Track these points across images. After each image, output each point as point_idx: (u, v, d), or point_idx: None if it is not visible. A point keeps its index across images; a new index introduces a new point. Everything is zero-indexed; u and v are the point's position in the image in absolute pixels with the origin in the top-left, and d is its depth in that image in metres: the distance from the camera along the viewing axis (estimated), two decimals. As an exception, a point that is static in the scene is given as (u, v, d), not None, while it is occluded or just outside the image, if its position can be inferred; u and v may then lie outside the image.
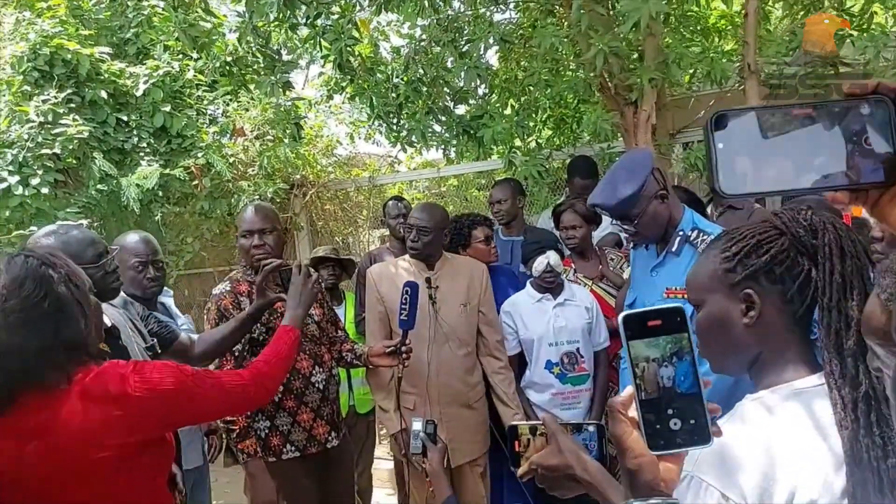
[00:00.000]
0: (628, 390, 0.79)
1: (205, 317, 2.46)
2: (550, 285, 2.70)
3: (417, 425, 2.00)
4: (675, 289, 2.11)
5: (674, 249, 2.10)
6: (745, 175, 0.61)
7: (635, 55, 3.51)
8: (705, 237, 2.05)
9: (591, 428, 1.05)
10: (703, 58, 3.42)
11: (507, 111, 3.93)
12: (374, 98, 3.61)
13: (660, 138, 3.53)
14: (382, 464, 3.99)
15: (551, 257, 2.65)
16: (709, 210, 3.31)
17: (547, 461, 0.96)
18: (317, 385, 2.42)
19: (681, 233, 2.09)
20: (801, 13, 3.83)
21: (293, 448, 2.38)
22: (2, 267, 1.29)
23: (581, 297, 2.76)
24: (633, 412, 0.78)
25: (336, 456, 2.49)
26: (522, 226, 3.41)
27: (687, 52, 3.34)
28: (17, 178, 3.61)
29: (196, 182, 3.93)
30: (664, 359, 0.74)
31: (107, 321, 1.87)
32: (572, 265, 2.98)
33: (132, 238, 2.47)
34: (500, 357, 2.66)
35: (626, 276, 3.01)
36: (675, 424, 0.74)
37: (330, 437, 2.45)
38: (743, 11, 3.61)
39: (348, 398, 3.35)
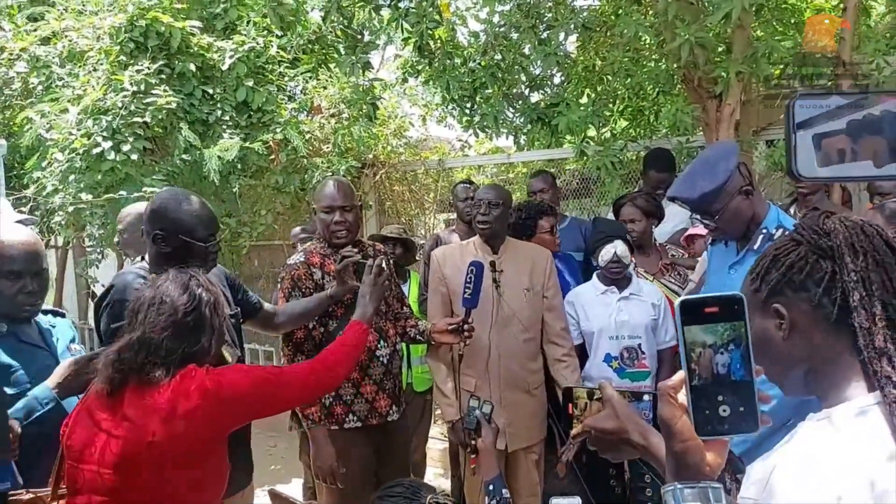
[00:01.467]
0: (679, 374, 0.80)
1: (278, 285, 2.56)
2: (617, 276, 2.65)
3: (475, 402, 2.03)
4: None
5: (755, 247, 2.02)
6: (822, 159, 0.60)
7: (722, 47, 3.39)
8: None
9: (646, 397, 1.06)
10: (794, 52, 3.26)
11: (583, 100, 3.87)
12: (449, 82, 3.63)
13: (743, 134, 3.41)
14: (436, 443, 4.05)
15: (618, 247, 2.60)
16: (791, 211, 3.18)
17: (603, 424, 0.97)
18: (381, 359, 2.46)
19: (764, 230, 2.01)
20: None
21: (355, 418, 2.43)
22: (171, 275, 1.59)
23: (649, 292, 2.70)
24: (683, 396, 0.79)
25: (395, 430, 2.54)
26: (562, 217, 3.46)
27: (778, 45, 3.19)
28: (109, 143, 3.81)
29: (273, 156, 4.06)
30: (721, 345, 0.75)
31: None
32: (633, 260, 2.92)
33: None
34: (563, 344, 2.63)
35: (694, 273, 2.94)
36: (725, 411, 0.75)
37: (391, 411, 2.49)
38: (842, 6, 3.42)
39: (407, 375, 3.40)
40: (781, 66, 3.37)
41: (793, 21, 3.67)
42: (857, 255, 0.83)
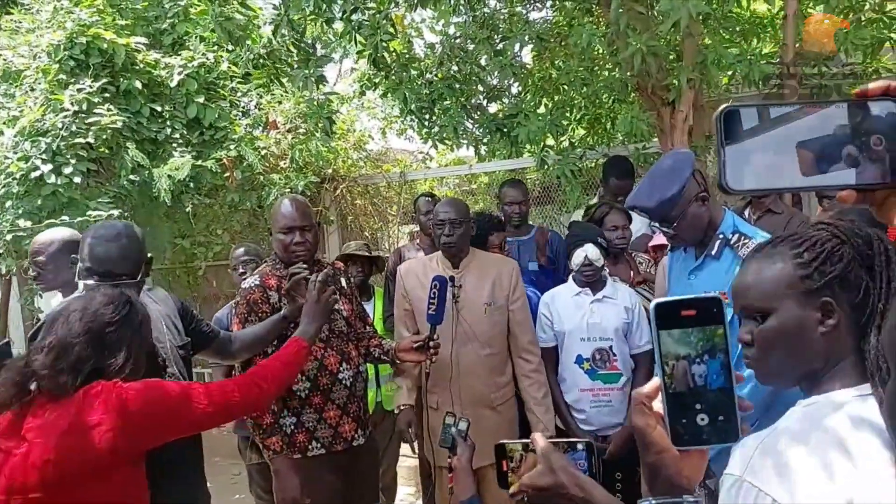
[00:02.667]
0: (654, 382, 0.78)
1: (234, 310, 2.46)
2: (590, 279, 2.66)
3: (450, 420, 1.98)
4: (715, 293, 2.07)
5: (713, 253, 2.07)
6: (752, 171, 0.61)
7: (673, 55, 3.46)
8: (747, 241, 2.01)
9: (580, 446, 1.01)
10: (741, 59, 3.36)
11: (541, 110, 3.90)
12: (407, 94, 3.60)
13: (696, 140, 3.48)
14: (406, 461, 3.97)
15: (589, 250, 2.61)
16: (746, 213, 3.26)
17: (537, 482, 0.93)
18: (344, 382, 2.39)
19: (721, 236, 2.06)
20: (842, 15, 3.75)
21: (319, 445, 2.34)
22: (102, 289, 1.57)
23: (623, 296, 2.71)
24: (659, 405, 0.76)
25: (362, 453, 2.46)
26: (528, 226, 3.49)
27: (726, 52, 3.28)
28: (50, 166, 3.63)
29: (227, 174, 3.94)
30: (697, 356, 0.73)
31: None
32: (606, 268, 2.94)
33: None
34: (531, 359, 2.61)
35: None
36: (703, 420, 0.73)
37: (356, 435, 2.41)
38: (782, 13, 3.55)
39: (375, 394, 3.34)
40: (730, 72, 3.46)
41: (738, 29, 3.79)
42: (891, 266, 0.86)
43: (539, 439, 0.96)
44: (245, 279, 2.49)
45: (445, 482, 2.47)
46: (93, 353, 1.45)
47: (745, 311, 0.99)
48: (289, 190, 3.91)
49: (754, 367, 0.99)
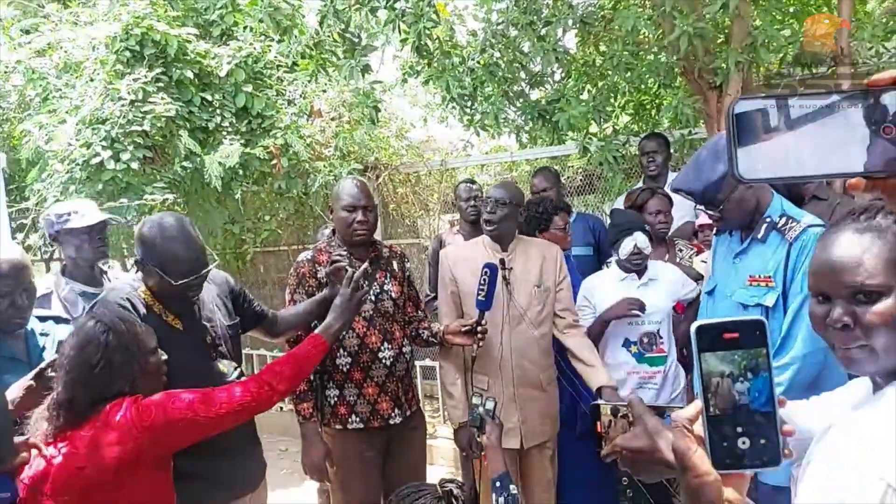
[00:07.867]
0: (696, 405, 0.77)
1: (288, 281, 2.57)
2: (638, 267, 2.67)
3: (477, 399, 2.02)
4: (760, 276, 2.05)
5: (759, 236, 2.05)
6: (764, 160, 0.62)
7: (721, 38, 3.38)
8: (794, 224, 1.99)
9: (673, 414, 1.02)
10: (793, 40, 3.26)
11: (584, 96, 3.87)
12: (449, 81, 3.62)
13: (744, 124, 3.40)
14: (446, 443, 4.04)
15: (638, 238, 2.61)
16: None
17: (633, 443, 0.93)
18: (384, 361, 2.45)
19: (768, 219, 2.03)
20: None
21: (358, 419, 2.42)
22: (77, 327, 1.64)
23: (665, 273, 2.72)
24: (700, 428, 0.76)
25: (401, 433, 2.51)
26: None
27: (777, 34, 3.19)
28: (109, 153, 3.79)
29: (274, 161, 4.05)
30: (740, 374, 0.72)
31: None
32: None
33: None
34: (575, 332, 2.61)
35: (696, 267, 2.95)
36: (744, 443, 0.72)
37: (393, 414, 2.46)
38: (838, -7, 3.43)
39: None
40: (781, 55, 3.37)
41: (791, 9, 3.68)
42: None
43: (636, 403, 0.96)
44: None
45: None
46: (93, 394, 1.55)
47: (847, 291, 0.94)
48: (333, 177, 3.99)
49: (852, 354, 0.95)
